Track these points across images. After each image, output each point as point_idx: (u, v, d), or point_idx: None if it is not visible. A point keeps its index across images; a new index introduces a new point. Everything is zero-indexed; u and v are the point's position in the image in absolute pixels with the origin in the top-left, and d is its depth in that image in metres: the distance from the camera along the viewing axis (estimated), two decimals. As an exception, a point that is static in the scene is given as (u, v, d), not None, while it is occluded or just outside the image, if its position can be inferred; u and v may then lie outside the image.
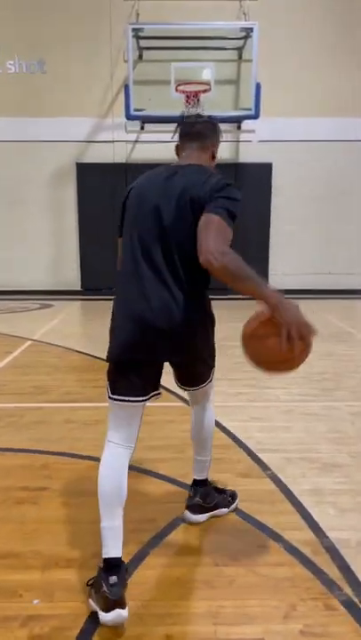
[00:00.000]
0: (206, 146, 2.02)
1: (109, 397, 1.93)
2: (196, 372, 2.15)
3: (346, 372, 4.68)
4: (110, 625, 1.66)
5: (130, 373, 1.89)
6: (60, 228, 9.65)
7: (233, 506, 2.41)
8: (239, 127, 9.16)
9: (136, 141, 9.44)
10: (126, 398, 1.89)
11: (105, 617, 1.65)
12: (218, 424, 3.45)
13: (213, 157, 2.08)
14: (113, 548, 1.76)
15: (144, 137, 9.37)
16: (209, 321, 2.07)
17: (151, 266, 1.83)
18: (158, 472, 2.79)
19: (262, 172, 9.48)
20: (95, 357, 5.14)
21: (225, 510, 2.38)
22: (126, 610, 1.67)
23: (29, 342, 5.80)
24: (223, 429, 3.38)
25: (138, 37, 8.31)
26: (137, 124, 9.11)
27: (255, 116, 7.97)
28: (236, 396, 4.05)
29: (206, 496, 2.32)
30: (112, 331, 1.97)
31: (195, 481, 2.35)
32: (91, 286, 9.80)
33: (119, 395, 1.91)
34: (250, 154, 9.38)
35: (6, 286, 9.74)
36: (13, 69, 9.09)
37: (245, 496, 2.52)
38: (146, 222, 1.85)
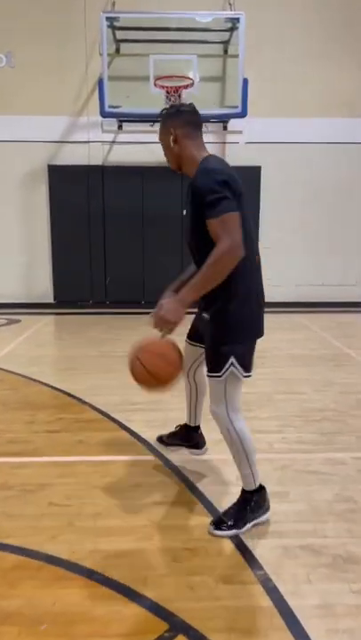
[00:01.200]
0: None
1: (245, 376, 2.26)
2: None
3: (348, 409, 3.97)
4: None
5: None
6: (31, 235, 8.88)
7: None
8: (225, 128, 8.46)
9: (113, 142, 8.72)
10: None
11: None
12: (192, 488, 2.73)
13: None
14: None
15: (122, 137, 8.65)
16: None
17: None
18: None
19: (250, 176, 8.80)
20: (58, 390, 4.38)
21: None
22: None
23: (-17, 369, 5.02)
24: (200, 496, 2.65)
25: (114, 28, 7.60)
26: (114, 123, 8.37)
27: (242, 114, 7.28)
28: (218, 444, 3.32)
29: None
30: (253, 312, 2.24)
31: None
32: (64, 299, 9.03)
33: (251, 371, 2.29)
34: (237, 156, 8.68)
35: (-29, 299, 8.93)
36: (-21, 63, 8.33)
37: (227, 617, 1.80)
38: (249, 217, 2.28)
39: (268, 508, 2.42)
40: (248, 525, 2.33)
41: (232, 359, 2.21)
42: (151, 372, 2.35)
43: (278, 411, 3.93)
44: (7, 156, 8.64)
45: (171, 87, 7.00)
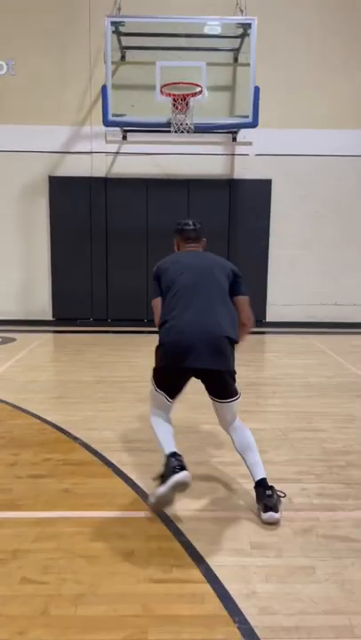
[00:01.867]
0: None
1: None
2: None
3: (377, 451, 3.47)
4: (182, 480, 2.47)
5: None
6: (29, 249, 8.49)
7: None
8: (234, 139, 8.09)
9: (117, 153, 8.35)
10: None
11: (178, 476, 2.48)
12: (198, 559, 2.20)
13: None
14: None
15: (126, 148, 8.29)
16: None
17: None
18: None
19: (260, 190, 8.41)
20: (47, 422, 3.91)
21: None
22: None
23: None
24: (208, 573, 2.15)
25: (119, 34, 7.27)
26: (118, 133, 8.02)
27: (253, 124, 6.90)
28: (227, 500, 2.82)
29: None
30: (162, 355, 3.00)
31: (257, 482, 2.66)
32: (63, 316, 8.60)
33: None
34: (246, 169, 8.32)
35: (-34, 315, 8.51)
36: (-22, 70, 8.01)
37: None
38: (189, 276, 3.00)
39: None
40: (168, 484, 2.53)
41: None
42: None
43: (296, 452, 3.44)
44: (6, 166, 8.29)
45: (178, 95, 6.62)
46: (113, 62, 7.41)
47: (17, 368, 5.62)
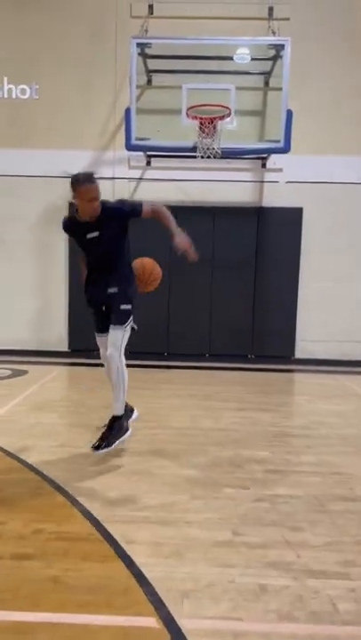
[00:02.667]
0: None
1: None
2: None
3: None
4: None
5: None
6: (47, 276, 8.14)
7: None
8: (264, 165, 7.69)
9: (140, 179, 8.02)
10: None
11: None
12: None
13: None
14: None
15: (150, 174, 7.95)
16: None
17: None
18: None
19: (291, 219, 7.94)
20: (45, 478, 3.40)
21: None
22: None
23: None
24: None
25: (145, 56, 7.01)
26: (142, 159, 7.71)
27: (285, 149, 6.48)
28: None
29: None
30: None
31: None
32: (79, 347, 8.16)
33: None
34: (276, 197, 7.88)
35: (-21, 344, 8.16)
36: (0, 94, 7.83)
37: None
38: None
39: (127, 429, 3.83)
40: (116, 443, 3.68)
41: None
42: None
43: (338, 532, 2.83)
44: (26, 191, 8.03)
45: (205, 118, 6.25)
46: (138, 86, 7.15)
47: (23, 407, 5.15)
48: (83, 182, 3.67)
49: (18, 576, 2.34)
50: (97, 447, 3.71)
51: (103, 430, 3.82)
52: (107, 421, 3.88)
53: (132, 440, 4.22)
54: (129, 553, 2.55)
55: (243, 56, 7.38)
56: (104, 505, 3.03)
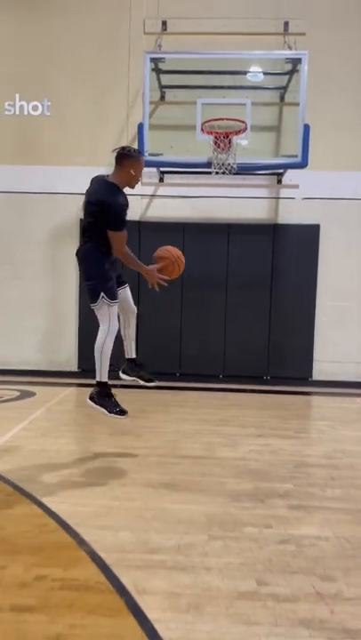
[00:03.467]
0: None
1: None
2: None
3: None
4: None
5: None
6: (57, 294, 7.96)
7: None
8: (279, 181, 7.50)
9: (153, 196, 7.87)
10: None
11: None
12: None
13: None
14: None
15: (163, 191, 7.80)
16: None
17: None
18: None
19: (307, 236, 7.72)
20: (49, 513, 3.13)
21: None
22: None
23: (-36, 468, 3.85)
24: None
25: (158, 72, 6.90)
26: (154, 175, 7.56)
27: (302, 164, 6.28)
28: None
29: None
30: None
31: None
32: (90, 367, 7.86)
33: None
34: (292, 213, 7.67)
35: (-13, 363, 7.96)
36: (12, 111, 7.75)
37: None
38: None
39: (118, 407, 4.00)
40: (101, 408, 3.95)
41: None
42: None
43: (375, 582, 2.53)
44: (36, 209, 7.90)
45: (220, 133, 6.08)
46: (152, 102, 7.04)
47: (28, 432, 4.90)
48: (139, 155, 3.96)
49: (18, 633, 2.07)
50: (91, 398, 4.04)
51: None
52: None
53: (144, 470, 3.95)
54: (141, 605, 2.27)
55: (256, 74, 7.26)
56: (114, 546, 2.76)
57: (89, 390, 7.47)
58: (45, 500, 3.31)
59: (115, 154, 3.88)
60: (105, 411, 3.93)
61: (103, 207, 3.72)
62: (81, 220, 4.14)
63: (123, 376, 4.35)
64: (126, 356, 4.35)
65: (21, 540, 2.83)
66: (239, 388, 7.45)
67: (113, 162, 7.85)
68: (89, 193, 3.94)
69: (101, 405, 3.94)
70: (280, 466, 4.14)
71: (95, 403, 3.97)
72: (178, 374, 7.91)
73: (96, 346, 3.95)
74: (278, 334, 7.81)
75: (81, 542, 2.81)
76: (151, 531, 2.96)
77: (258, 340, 7.83)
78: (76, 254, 4.04)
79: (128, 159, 3.84)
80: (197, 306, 7.83)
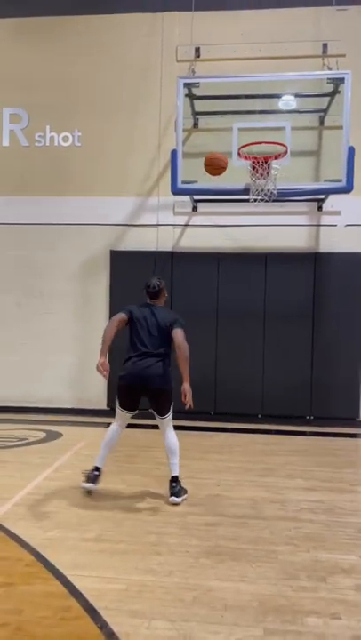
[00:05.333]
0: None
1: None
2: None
3: None
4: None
5: None
6: (86, 330, 7.62)
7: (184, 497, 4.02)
8: (320, 208, 7.08)
9: (186, 225, 7.53)
10: None
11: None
12: None
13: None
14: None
15: (196, 220, 7.47)
16: None
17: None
18: None
19: (351, 265, 7.23)
20: (76, 595, 2.66)
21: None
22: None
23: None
24: None
25: (192, 98, 6.65)
26: (187, 204, 7.26)
27: (347, 189, 5.85)
28: None
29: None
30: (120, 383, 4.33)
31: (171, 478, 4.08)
32: (120, 406, 7.48)
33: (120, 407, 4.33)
34: (334, 241, 7.21)
35: (14, 401, 7.62)
36: (43, 142, 7.62)
37: None
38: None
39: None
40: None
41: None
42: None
43: None
44: (66, 241, 7.67)
45: (258, 158, 5.73)
46: (184, 129, 6.79)
47: (53, 482, 4.47)
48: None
49: None
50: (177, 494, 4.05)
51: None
52: None
53: (182, 533, 3.45)
54: None
55: (292, 98, 6.94)
56: (149, 643, 2.27)
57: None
58: (70, 574, 2.85)
59: (151, 290, 4.32)
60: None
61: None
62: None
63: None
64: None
65: (40, 629, 2.36)
66: (280, 430, 6.89)
67: (144, 191, 7.67)
68: (161, 318, 4.19)
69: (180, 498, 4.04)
70: (339, 529, 3.57)
71: (181, 497, 4.03)
72: (212, 413, 7.40)
73: (176, 446, 4.19)
74: (321, 370, 7.25)
75: (110, 636, 2.32)
76: (192, 620, 2.45)
77: (299, 377, 7.28)
78: (142, 372, 4.11)
79: (164, 289, 4.42)
80: (233, 340, 7.36)
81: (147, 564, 3.00)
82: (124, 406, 4.19)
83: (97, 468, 4.14)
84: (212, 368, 7.40)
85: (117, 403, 4.25)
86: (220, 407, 7.44)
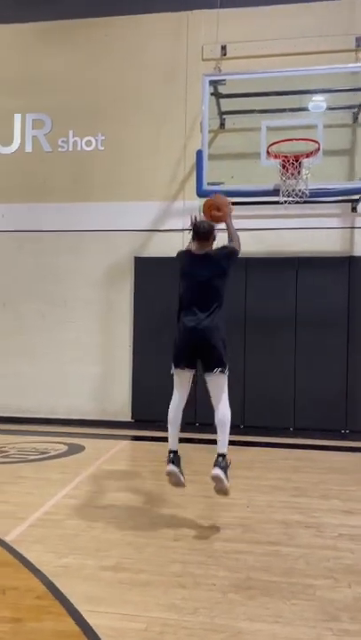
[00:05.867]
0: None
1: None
2: None
3: None
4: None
5: None
6: (109, 339, 7.41)
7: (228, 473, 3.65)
8: (354, 209, 6.71)
9: (213, 229, 7.24)
10: None
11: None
12: None
13: None
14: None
15: (223, 223, 7.15)
16: None
17: None
18: None
19: (387, 269, 6.82)
20: (83, 631, 2.38)
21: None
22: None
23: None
24: None
25: (218, 96, 6.39)
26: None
27: (385, 187, 5.49)
28: None
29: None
30: (176, 341, 4.00)
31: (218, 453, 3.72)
32: (143, 417, 7.25)
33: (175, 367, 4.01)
34: (370, 244, 6.83)
35: (36, 412, 7.44)
36: (66, 148, 7.49)
37: None
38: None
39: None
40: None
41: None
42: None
43: None
44: (89, 247, 7.50)
45: (289, 156, 5.42)
46: (210, 131, 6.56)
47: (72, 501, 4.21)
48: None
49: None
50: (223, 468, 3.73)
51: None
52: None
53: (208, 562, 3.13)
54: None
55: (319, 103, 6.63)
56: None
57: (143, 444, 6.71)
58: (84, 609, 2.56)
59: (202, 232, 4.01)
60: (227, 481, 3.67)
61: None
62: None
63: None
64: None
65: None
66: (313, 444, 6.50)
67: (168, 195, 7.44)
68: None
69: (226, 477, 3.66)
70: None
71: (226, 476, 3.66)
72: (241, 426, 7.04)
73: (228, 418, 3.85)
74: (357, 380, 6.84)
75: None
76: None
77: (334, 388, 6.88)
78: (196, 327, 3.79)
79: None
80: (263, 349, 7.03)
81: (169, 599, 2.70)
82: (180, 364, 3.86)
83: (172, 451, 3.84)
84: (239, 378, 7.05)
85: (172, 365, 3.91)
86: (250, 420, 7.10)
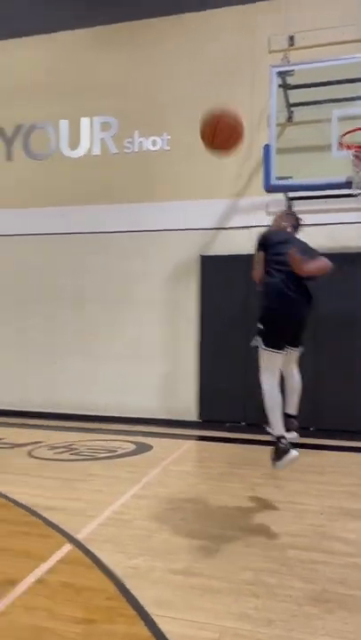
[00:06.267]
0: None
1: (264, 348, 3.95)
2: None
3: None
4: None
5: None
6: (176, 338, 7.40)
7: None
8: None
9: (280, 226, 7.04)
10: None
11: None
12: None
13: None
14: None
15: (291, 219, 6.93)
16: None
17: None
18: None
19: None
20: None
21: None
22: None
23: (63, 551, 3.22)
24: None
25: (286, 88, 6.20)
26: (282, 203, 6.77)
27: None
28: None
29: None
30: (271, 317, 4.06)
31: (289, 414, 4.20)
32: (211, 417, 7.17)
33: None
34: None
35: (104, 410, 7.56)
36: (131, 149, 7.55)
37: None
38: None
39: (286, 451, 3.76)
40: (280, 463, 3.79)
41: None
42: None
43: None
44: (156, 247, 7.51)
45: (361, 146, 5.17)
46: (278, 124, 6.35)
47: (140, 500, 4.21)
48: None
49: None
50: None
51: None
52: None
53: (283, 572, 3.01)
54: None
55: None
56: None
57: (210, 445, 6.67)
58: (155, 614, 2.52)
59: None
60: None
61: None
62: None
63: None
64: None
65: None
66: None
67: (234, 192, 7.32)
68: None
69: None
70: None
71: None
72: (312, 429, 6.81)
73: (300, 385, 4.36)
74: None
75: None
76: None
77: None
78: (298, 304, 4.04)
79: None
80: (334, 350, 6.75)
81: (241, 608, 2.60)
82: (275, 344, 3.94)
83: (283, 437, 3.86)
84: (310, 378, 6.79)
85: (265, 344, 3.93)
86: (321, 423, 6.84)
